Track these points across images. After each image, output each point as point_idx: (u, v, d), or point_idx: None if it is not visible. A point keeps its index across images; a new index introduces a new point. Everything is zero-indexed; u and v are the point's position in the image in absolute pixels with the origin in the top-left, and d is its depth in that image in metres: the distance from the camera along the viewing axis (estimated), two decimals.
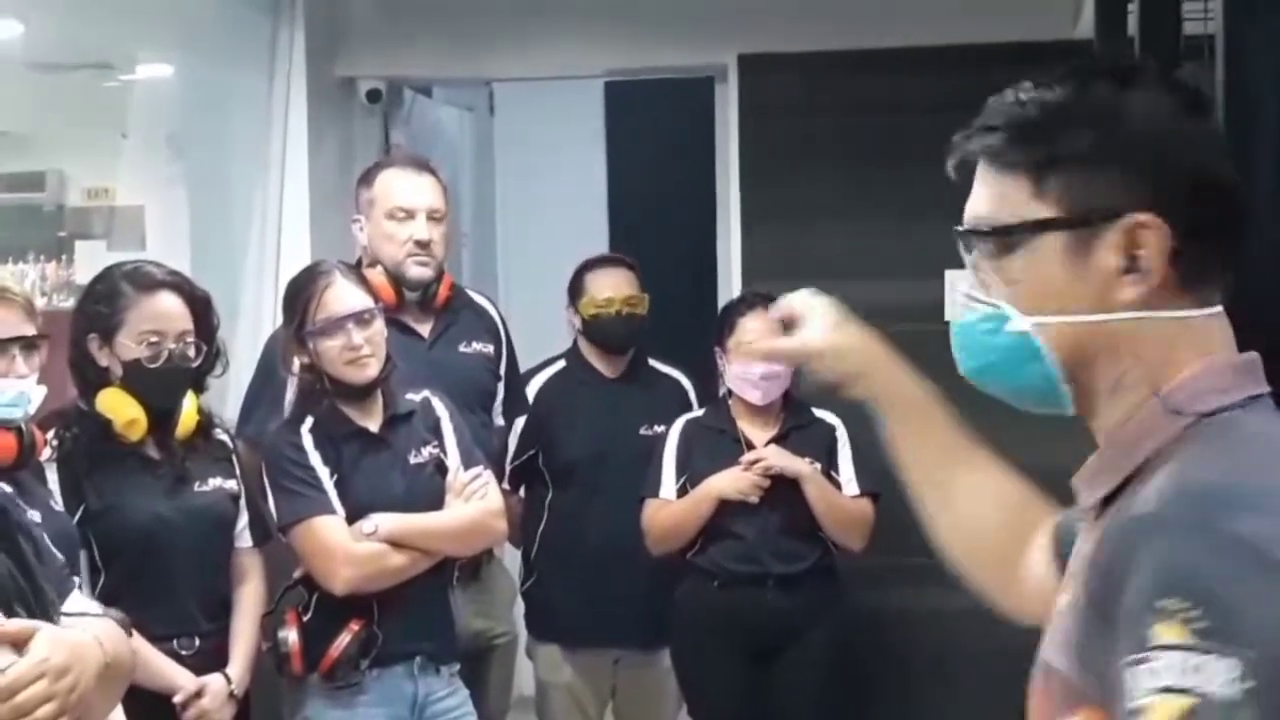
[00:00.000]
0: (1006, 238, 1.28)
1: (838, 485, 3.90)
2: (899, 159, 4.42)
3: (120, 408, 3.05)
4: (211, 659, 3.12)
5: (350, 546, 3.14)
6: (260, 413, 3.54)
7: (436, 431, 3.33)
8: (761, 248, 4.69)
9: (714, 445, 3.94)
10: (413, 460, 3.27)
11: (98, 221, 4.69)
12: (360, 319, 3.18)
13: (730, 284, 4.76)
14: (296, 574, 3.25)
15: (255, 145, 4.59)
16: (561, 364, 4.21)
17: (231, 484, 3.22)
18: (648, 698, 4.23)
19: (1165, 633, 1.05)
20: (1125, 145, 1.25)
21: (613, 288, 4.12)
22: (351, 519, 3.17)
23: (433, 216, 3.65)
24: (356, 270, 3.42)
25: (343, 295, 3.20)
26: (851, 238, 4.62)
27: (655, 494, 3.94)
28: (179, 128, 4.51)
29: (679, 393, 4.22)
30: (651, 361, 4.25)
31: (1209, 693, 1.02)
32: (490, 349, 3.86)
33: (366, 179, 3.74)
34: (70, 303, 3.99)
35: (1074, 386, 1.29)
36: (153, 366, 3.05)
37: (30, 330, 2.75)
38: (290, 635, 3.16)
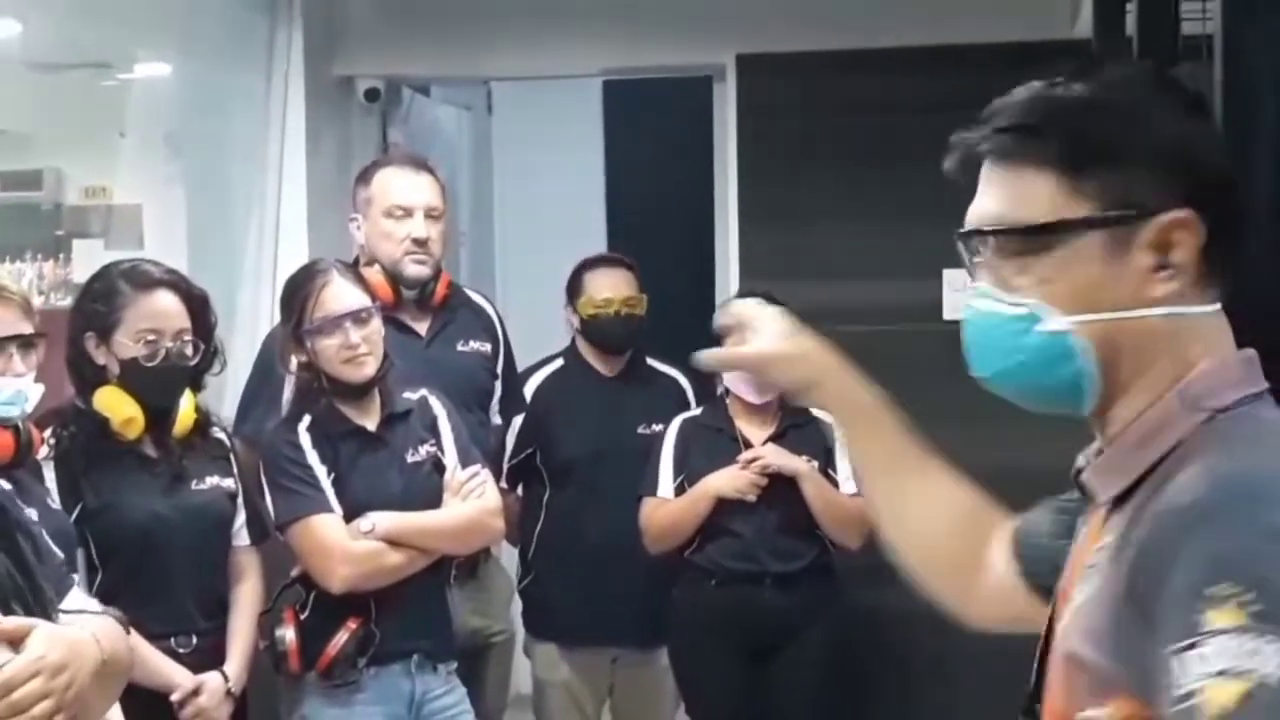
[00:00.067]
0: (1044, 237, 1.27)
1: (835, 484, 3.90)
2: (897, 158, 4.42)
3: (118, 406, 3.04)
4: (209, 657, 3.12)
5: (348, 545, 3.14)
6: (258, 411, 3.54)
7: (434, 430, 3.33)
8: (759, 247, 4.69)
9: (712, 444, 3.94)
10: (410, 459, 3.27)
11: (95, 220, 4.69)
12: (358, 317, 3.18)
13: (728, 283, 4.77)
14: (294, 572, 3.25)
15: (253, 144, 4.59)
16: (559, 363, 4.21)
17: (229, 482, 3.22)
18: (645, 696, 4.23)
19: (1218, 618, 1.06)
20: (1158, 143, 1.26)
21: (611, 288, 4.12)
22: (349, 517, 3.17)
23: (430, 215, 3.65)
24: (354, 269, 3.42)
25: (340, 294, 3.20)
26: (850, 237, 4.62)
27: (653, 493, 3.94)
28: (177, 127, 4.50)
29: (677, 391, 4.22)
30: (649, 360, 4.25)
31: (1266, 674, 1.03)
32: (487, 348, 3.86)
33: (364, 178, 3.74)
34: (68, 301, 3.99)
35: (1101, 385, 1.29)
36: (150, 365, 3.05)
37: (27, 329, 2.75)
38: (288, 633, 3.16)
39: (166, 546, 3.06)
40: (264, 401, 3.52)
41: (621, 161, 6.26)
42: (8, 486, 2.48)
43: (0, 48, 4.30)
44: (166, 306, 3.08)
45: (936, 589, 1.66)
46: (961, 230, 1.34)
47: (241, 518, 3.25)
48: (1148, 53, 2.90)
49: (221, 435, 3.29)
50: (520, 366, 4.07)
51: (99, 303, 3.08)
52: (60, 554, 2.11)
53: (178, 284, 3.13)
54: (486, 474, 3.38)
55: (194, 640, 3.10)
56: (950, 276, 4.41)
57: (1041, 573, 1.54)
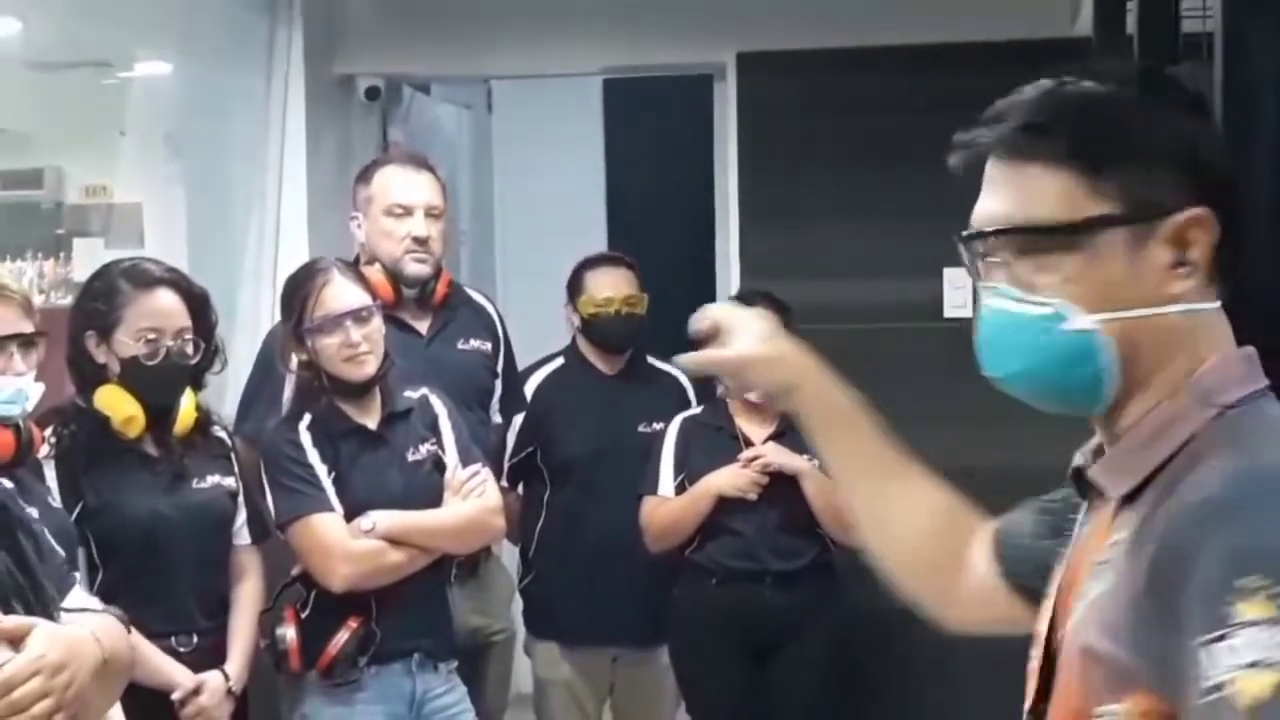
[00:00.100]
0: (1070, 236, 1.27)
1: None
2: (898, 157, 4.43)
3: (118, 405, 3.04)
4: (209, 656, 3.12)
5: (348, 544, 3.14)
6: (258, 410, 3.54)
7: (434, 429, 3.33)
8: (760, 245, 4.69)
9: (712, 442, 3.94)
10: (411, 458, 3.27)
11: (96, 219, 4.68)
12: (358, 316, 3.18)
13: (729, 281, 4.77)
14: (294, 571, 3.25)
15: (253, 143, 4.59)
16: (560, 361, 4.21)
17: (230, 481, 3.22)
18: (646, 695, 4.23)
19: (1248, 610, 1.06)
20: (1171, 142, 1.27)
21: (612, 287, 4.12)
22: (349, 516, 3.17)
23: (431, 213, 3.65)
24: (354, 267, 3.42)
25: (341, 292, 3.20)
26: (850, 236, 4.62)
27: (653, 491, 3.94)
28: (177, 125, 4.50)
29: (677, 390, 4.22)
30: (650, 359, 4.25)
31: None
32: (488, 346, 3.86)
33: (364, 176, 3.74)
34: (68, 300, 3.98)
35: (1119, 383, 1.29)
36: (151, 364, 3.05)
37: (28, 327, 2.75)
38: (288, 632, 3.16)
39: (167, 545, 3.06)
40: (264, 400, 3.52)
41: (622, 160, 6.26)
42: (9, 485, 2.48)
43: (0, 46, 4.30)
44: (167, 305, 3.08)
45: (915, 591, 1.67)
46: (976, 230, 1.33)
47: (242, 516, 3.25)
48: (1148, 51, 2.90)
49: (222, 434, 3.29)
50: (521, 365, 4.07)
51: (99, 301, 3.08)
52: (62, 552, 2.11)
53: (178, 282, 3.13)
54: (487, 473, 3.38)
55: (195, 639, 3.10)
56: (951, 275, 4.41)
57: (1024, 573, 1.54)
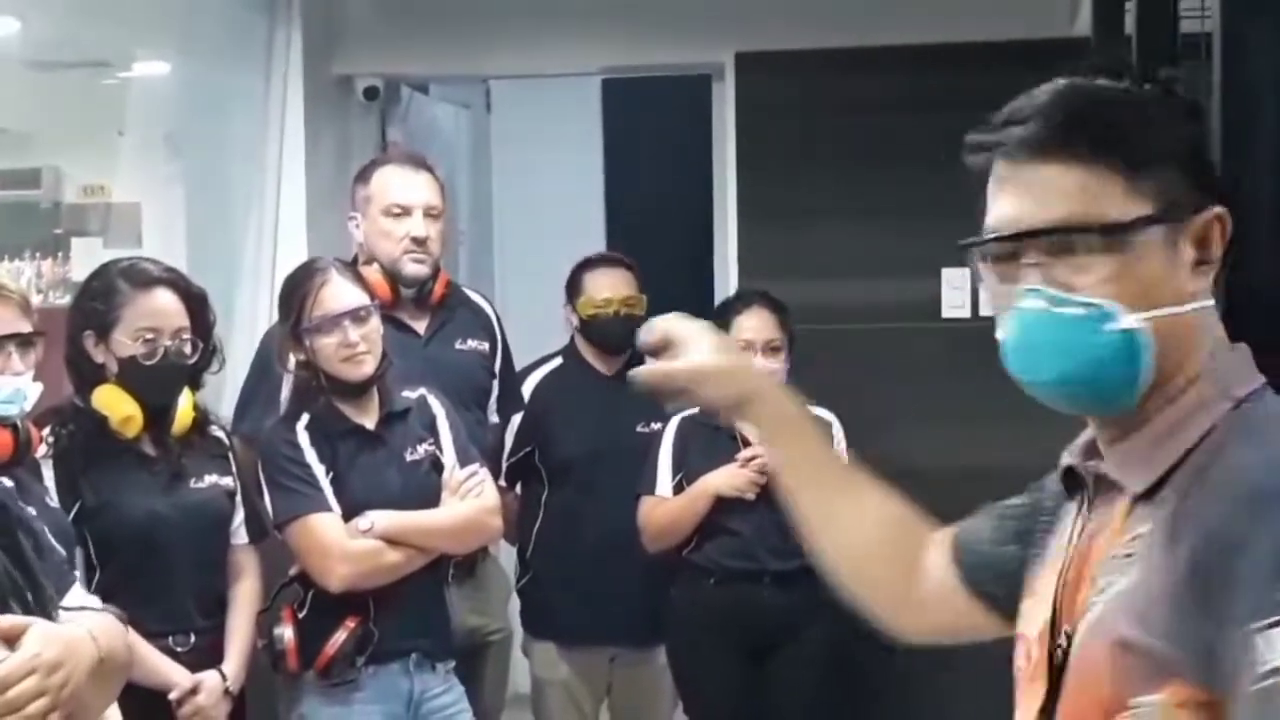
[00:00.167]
0: (1117, 236, 1.26)
1: None
2: (897, 157, 4.43)
3: (116, 404, 3.04)
4: (207, 656, 3.12)
5: (346, 544, 3.14)
6: (256, 409, 3.54)
7: (432, 429, 3.33)
8: (759, 245, 4.69)
9: (710, 442, 3.93)
10: (409, 457, 3.27)
11: (94, 219, 4.68)
12: (356, 316, 3.18)
13: (727, 281, 4.76)
14: (292, 571, 3.25)
15: (252, 143, 4.58)
16: (558, 361, 4.21)
17: (227, 481, 3.22)
18: (643, 695, 4.23)
19: None
20: (1188, 143, 1.31)
21: (611, 288, 4.12)
22: (347, 516, 3.17)
23: (429, 213, 3.65)
24: (353, 267, 3.42)
25: (339, 292, 3.20)
26: (849, 236, 4.62)
27: (651, 491, 3.94)
28: (176, 125, 4.50)
29: None
30: (648, 359, 4.24)
31: None
32: (485, 346, 3.86)
33: (363, 176, 3.74)
34: (66, 300, 3.98)
35: (1150, 380, 1.29)
36: (149, 363, 3.05)
37: (26, 327, 2.75)
38: (286, 632, 3.16)
39: (165, 545, 3.06)
40: (262, 400, 3.52)
41: (620, 160, 6.26)
42: (8, 484, 2.48)
43: None
44: (165, 305, 3.08)
45: (867, 601, 1.68)
46: (1017, 231, 1.29)
47: (240, 516, 3.25)
48: (1147, 51, 2.89)
49: (220, 434, 3.29)
50: (519, 365, 4.07)
51: (98, 301, 3.08)
52: (62, 551, 2.11)
53: (176, 282, 3.13)
54: (485, 473, 3.38)
55: (192, 639, 3.10)
56: (949, 275, 4.41)
57: (983, 580, 1.55)
